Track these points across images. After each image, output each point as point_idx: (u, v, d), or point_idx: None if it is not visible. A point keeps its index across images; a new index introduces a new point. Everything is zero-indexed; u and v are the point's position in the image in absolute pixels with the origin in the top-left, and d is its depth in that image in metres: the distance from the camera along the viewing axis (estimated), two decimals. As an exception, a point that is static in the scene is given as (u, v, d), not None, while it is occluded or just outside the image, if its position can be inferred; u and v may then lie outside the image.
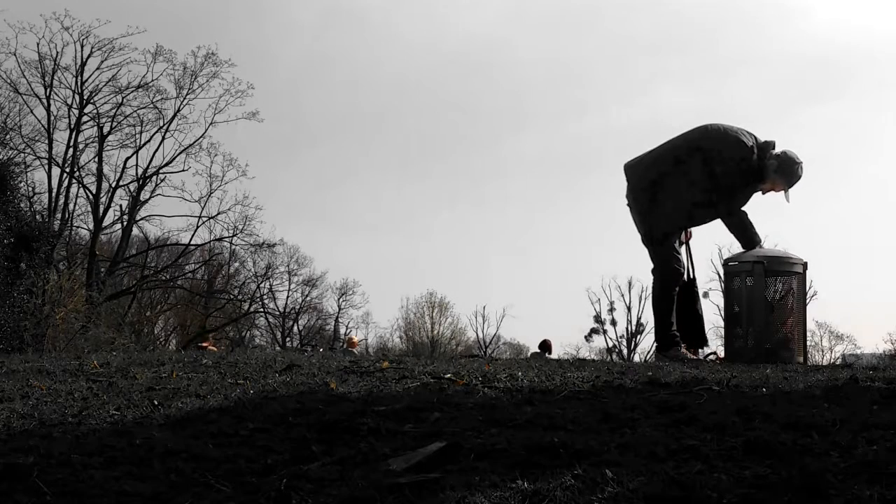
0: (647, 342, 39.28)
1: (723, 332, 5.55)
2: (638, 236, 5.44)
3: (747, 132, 5.24)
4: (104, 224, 27.48)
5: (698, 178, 5.15)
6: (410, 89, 64.36)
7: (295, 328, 42.63)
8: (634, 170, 5.39)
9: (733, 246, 6.03)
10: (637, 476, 1.71)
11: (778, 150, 5.21)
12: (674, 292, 5.26)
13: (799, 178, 5.22)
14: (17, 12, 32.79)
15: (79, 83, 25.99)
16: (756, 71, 59.23)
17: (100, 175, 26.85)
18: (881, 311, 54.22)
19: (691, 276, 5.47)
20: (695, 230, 5.56)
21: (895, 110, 61.11)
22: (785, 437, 1.96)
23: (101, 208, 27.05)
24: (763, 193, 5.29)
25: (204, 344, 14.28)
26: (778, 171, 5.15)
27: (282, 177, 59.34)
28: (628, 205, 5.45)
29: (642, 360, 30.92)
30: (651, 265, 5.37)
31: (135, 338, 23.95)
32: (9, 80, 25.13)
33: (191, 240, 29.23)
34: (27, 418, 2.69)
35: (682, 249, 5.43)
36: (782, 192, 5.23)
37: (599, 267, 65.93)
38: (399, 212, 63.48)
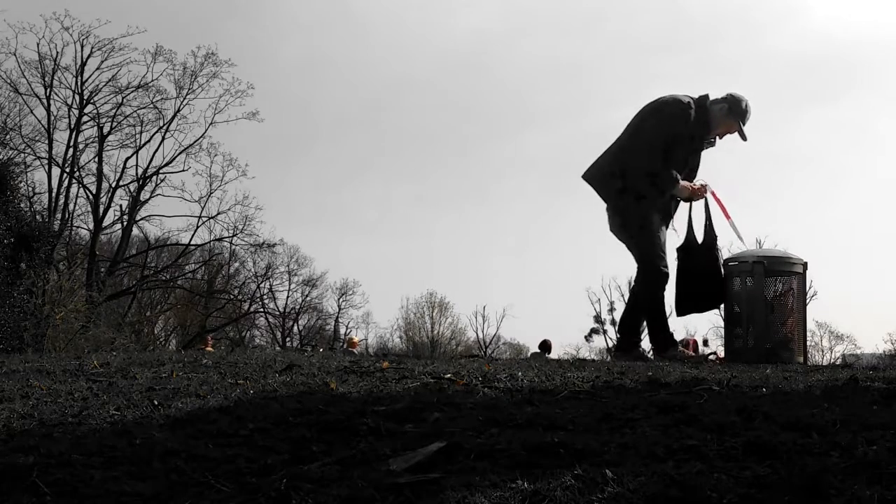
0: (646, 342, 39.25)
1: (723, 333, 5.55)
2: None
3: (679, 94, 5.33)
4: (104, 224, 27.54)
5: (655, 161, 5.17)
6: (411, 89, 64.38)
7: (295, 328, 42.66)
8: (594, 177, 5.37)
9: (733, 246, 6.02)
10: (637, 476, 1.71)
11: (716, 95, 5.32)
12: (661, 294, 5.24)
13: (750, 113, 5.32)
14: (17, 12, 32.86)
15: (79, 83, 26.04)
16: (756, 71, 59.26)
17: (100, 175, 26.91)
18: (881, 311, 54.31)
19: (714, 235, 5.40)
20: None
21: (895, 110, 61.14)
22: (785, 437, 1.96)
23: (101, 208, 27.11)
24: (720, 138, 5.38)
25: (203, 346, 14.28)
26: (730, 112, 5.26)
27: (282, 177, 59.42)
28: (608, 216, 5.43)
29: (642, 360, 30.83)
30: (636, 269, 5.32)
31: (135, 338, 23.97)
32: (9, 80, 25.22)
33: (191, 240, 29.31)
34: (27, 418, 2.69)
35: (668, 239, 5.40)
36: (737, 132, 5.30)
37: (599, 267, 65.97)
38: (399, 212, 63.51)
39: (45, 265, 16.34)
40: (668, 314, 5.34)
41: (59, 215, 24.97)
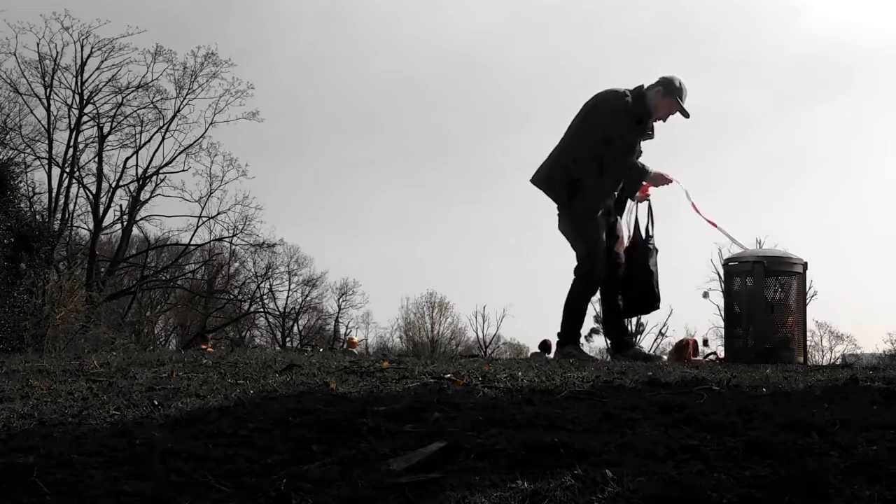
0: (646, 342, 39.28)
1: (723, 333, 5.55)
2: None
3: (615, 87, 5.37)
4: (104, 224, 27.55)
5: (597, 152, 5.20)
6: (410, 89, 64.40)
7: (295, 328, 42.64)
8: (542, 180, 5.38)
9: (733, 246, 6.03)
10: (637, 476, 1.71)
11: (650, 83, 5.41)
12: (590, 297, 5.29)
13: (686, 91, 5.37)
14: (17, 12, 32.80)
15: (79, 83, 26.06)
16: (756, 71, 59.33)
17: (100, 175, 26.92)
18: (881, 311, 54.33)
19: (650, 234, 5.45)
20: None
21: (895, 110, 61.16)
22: (785, 437, 1.96)
23: (101, 208, 27.12)
24: (664, 121, 5.42)
25: (203, 346, 14.27)
26: (666, 94, 5.31)
27: (282, 177, 59.41)
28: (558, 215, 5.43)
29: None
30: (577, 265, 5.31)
31: (135, 338, 23.98)
32: (9, 80, 25.25)
33: (191, 240, 29.32)
34: (27, 418, 2.69)
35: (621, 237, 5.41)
36: (678, 112, 5.35)
37: (599, 267, 65.73)
38: (399, 212, 63.51)
39: (45, 265, 16.36)
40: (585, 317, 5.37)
41: (59, 215, 24.98)
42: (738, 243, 5.79)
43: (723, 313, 5.60)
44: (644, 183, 5.35)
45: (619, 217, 5.42)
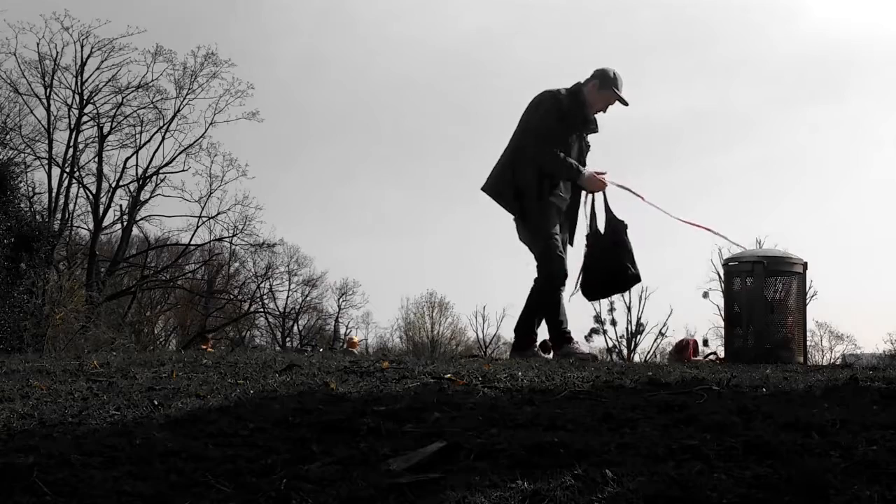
0: (647, 342, 39.28)
1: (723, 333, 5.54)
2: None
3: (551, 88, 5.38)
4: (104, 224, 27.54)
5: (535, 154, 5.19)
6: (410, 89, 64.40)
7: (295, 328, 42.65)
8: (492, 188, 5.37)
9: (733, 246, 6.03)
10: (637, 476, 1.71)
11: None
12: (559, 295, 5.25)
13: (621, 80, 5.40)
14: (17, 12, 32.81)
15: (79, 83, 26.05)
16: (756, 71, 59.31)
17: (100, 175, 26.91)
18: (881, 311, 54.31)
19: (619, 221, 5.38)
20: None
21: (895, 110, 61.18)
22: (785, 437, 1.96)
23: (101, 208, 27.10)
24: (605, 112, 5.46)
25: (203, 346, 14.28)
26: (602, 86, 5.34)
27: (282, 177, 59.40)
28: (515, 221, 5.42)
29: (642, 360, 30.93)
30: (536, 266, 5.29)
31: (135, 338, 23.99)
32: (9, 80, 25.23)
33: (191, 240, 29.29)
34: (27, 418, 2.69)
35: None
36: (617, 101, 5.38)
37: (599, 267, 65.60)
38: (399, 212, 63.51)
39: (45, 265, 16.36)
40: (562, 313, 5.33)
41: (59, 215, 24.96)
42: (671, 215, 5.71)
43: (723, 313, 5.58)
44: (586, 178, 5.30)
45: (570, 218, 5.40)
